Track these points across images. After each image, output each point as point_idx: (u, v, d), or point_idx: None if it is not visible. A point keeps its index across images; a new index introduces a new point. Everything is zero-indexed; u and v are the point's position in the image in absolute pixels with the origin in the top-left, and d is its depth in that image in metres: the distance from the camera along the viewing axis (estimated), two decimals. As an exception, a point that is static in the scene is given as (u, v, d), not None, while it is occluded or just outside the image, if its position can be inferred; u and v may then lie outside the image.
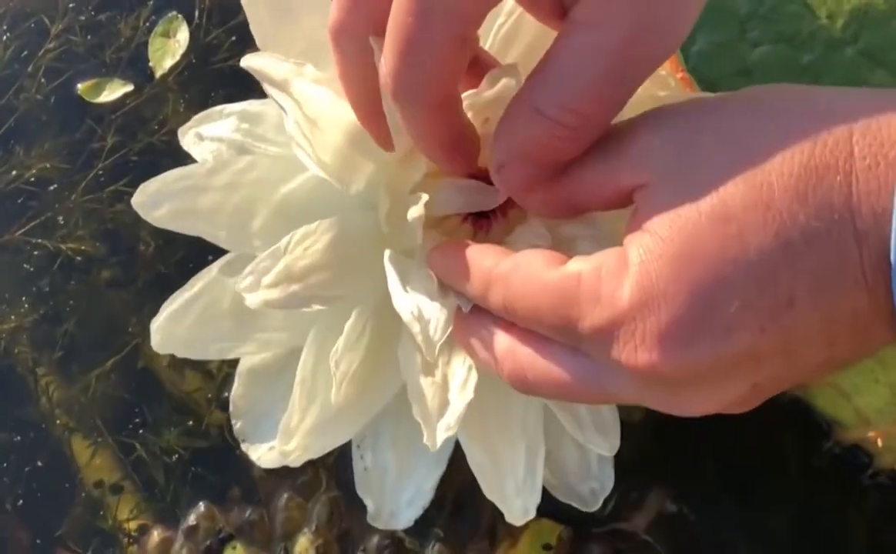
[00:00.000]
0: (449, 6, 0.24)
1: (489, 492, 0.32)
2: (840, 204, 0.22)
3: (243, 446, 0.36)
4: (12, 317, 0.42)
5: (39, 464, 0.39)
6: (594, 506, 0.35)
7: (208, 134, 0.34)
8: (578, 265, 0.25)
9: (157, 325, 0.34)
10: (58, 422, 0.40)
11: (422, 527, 0.36)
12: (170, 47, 0.45)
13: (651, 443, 0.38)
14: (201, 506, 0.38)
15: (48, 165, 0.43)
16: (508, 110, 0.26)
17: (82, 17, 0.45)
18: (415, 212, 0.29)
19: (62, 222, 0.43)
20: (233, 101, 0.35)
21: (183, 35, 0.45)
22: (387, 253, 0.30)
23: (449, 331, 0.28)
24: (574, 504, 0.35)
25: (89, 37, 0.45)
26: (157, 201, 0.32)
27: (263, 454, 0.35)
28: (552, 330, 0.26)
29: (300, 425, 0.32)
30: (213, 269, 0.34)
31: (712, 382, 0.24)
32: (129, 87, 0.44)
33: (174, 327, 0.34)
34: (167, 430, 0.39)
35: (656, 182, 0.24)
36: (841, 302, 0.22)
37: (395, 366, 0.31)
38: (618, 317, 0.24)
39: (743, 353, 0.23)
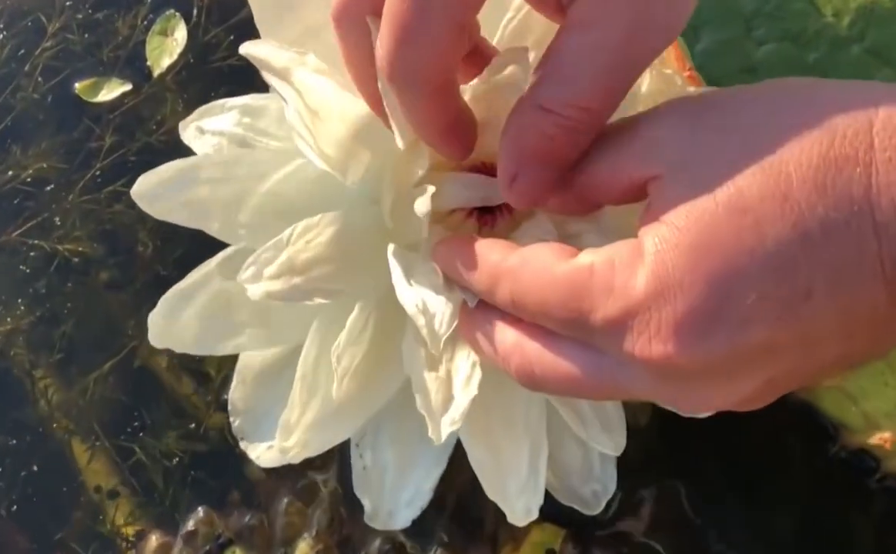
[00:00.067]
0: None
1: (491, 491, 0.32)
2: (859, 196, 0.22)
3: (242, 445, 0.36)
4: (8, 319, 0.41)
5: (36, 468, 0.39)
6: (596, 508, 0.35)
7: (209, 128, 0.34)
8: (590, 257, 0.24)
9: (154, 318, 0.34)
10: (55, 425, 0.40)
11: (423, 531, 0.36)
12: (168, 46, 0.45)
13: (655, 446, 0.37)
14: (200, 511, 0.38)
15: (45, 165, 0.43)
16: (514, 114, 0.26)
17: (79, 16, 0.45)
18: (422, 205, 0.28)
19: (59, 223, 0.42)
20: (232, 100, 0.34)
21: (181, 33, 0.45)
22: (391, 247, 0.29)
23: (454, 325, 0.28)
24: (576, 507, 0.35)
25: (86, 35, 0.45)
26: (157, 193, 0.32)
27: (262, 453, 0.35)
28: (562, 324, 0.25)
29: (300, 420, 0.32)
30: (213, 264, 0.34)
31: (727, 376, 0.24)
32: (127, 87, 0.44)
33: (172, 321, 0.34)
34: (166, 433, 0.39)
35: (670, 173, 0.24)
36: (859, 294, 0.22)
37: (397, 362, 0.31)
38: (632, 307, 0.23)
39: (759, 345, 0.23)
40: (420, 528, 0.36)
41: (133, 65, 0.44)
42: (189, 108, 0.41)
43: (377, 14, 0.26)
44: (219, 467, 0.38)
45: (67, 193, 0.43)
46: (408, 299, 0.28)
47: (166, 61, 0.44)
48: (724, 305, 0.22)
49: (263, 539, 0.38)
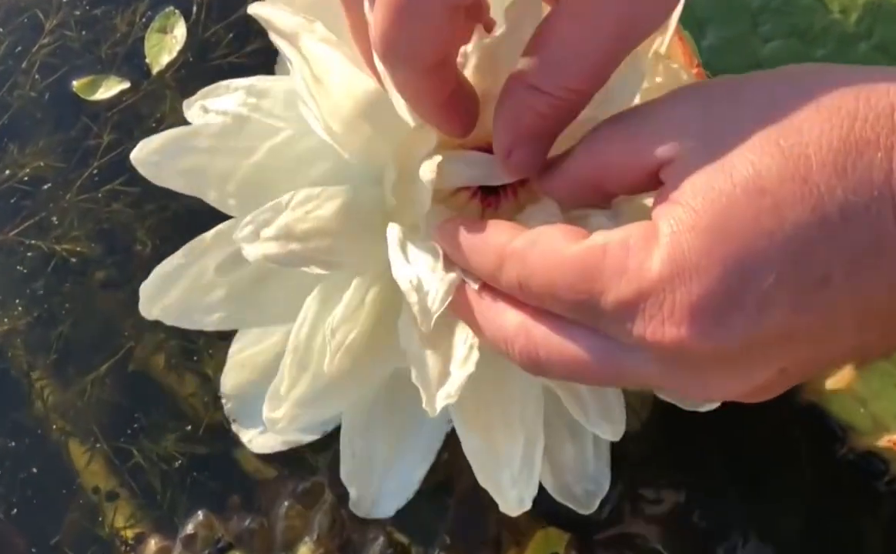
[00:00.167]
0: None
1: (484, 480, 0.32)
2: (880, 180, 0.21)
3: (234, 427, 0.36)
4: (5, 320, 0.41)
5: (34, 470, 0.39)
6: (590, 508, 0.35)
7: (214, 107, 0.34)
8: (603, 237, 0.24)
9: (146, 288, 0.33)
10: (53, 427, 0.39)
11: (426, 535, 0.36)
12: (167, 43, 0.44)
13: (657, 444, 0.37)
14: (200, 514, 0.38)
15: (42, 164, 0.43)
16: (507, 93, 0.26)
17: (77, 12, 0.45)
18: (427, 171, 0.28)
19: (57, 222, 0.42)
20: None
21: (180, 31, 0.44)
22: (391, 224, 0.29)
23: (448, 302, 0.27)
24: (570, 505, 0.34)
25: (84, 32, 0.45)
26: (155, 160, 0.32)
27: (254, 437, 0.36)
28: (571, 307, 0.25)
29: (289, 394, 0.32)
30: (208, 237, 0.34)
31: (740, 364, 0.23)
32: (126, 85, 0.44)
33: (164, 292, 0.34)
34: (164, 435, 0.39)
35: (685, 155, 0.24)
36: (875, 282, 0.22)
37: (392, 345, 0.30)
38: (645, 289, 0.23)
39: (774, 332, 0.22)
40: (422, 531, 0.36)
41: (131, 62, 0.44)
42: (188, 106, 0.41)
43: None
44: (218, 470, 0.38)
45: (65, 192, 0.42)
46: (402, 275, 0.28)
47: (165, 59, 0.44)
48: (740, 289, 0.22)
49: (264, 543, 0.37)
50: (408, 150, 0.30)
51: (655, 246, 0.23)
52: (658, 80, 0.31)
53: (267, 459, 0.38)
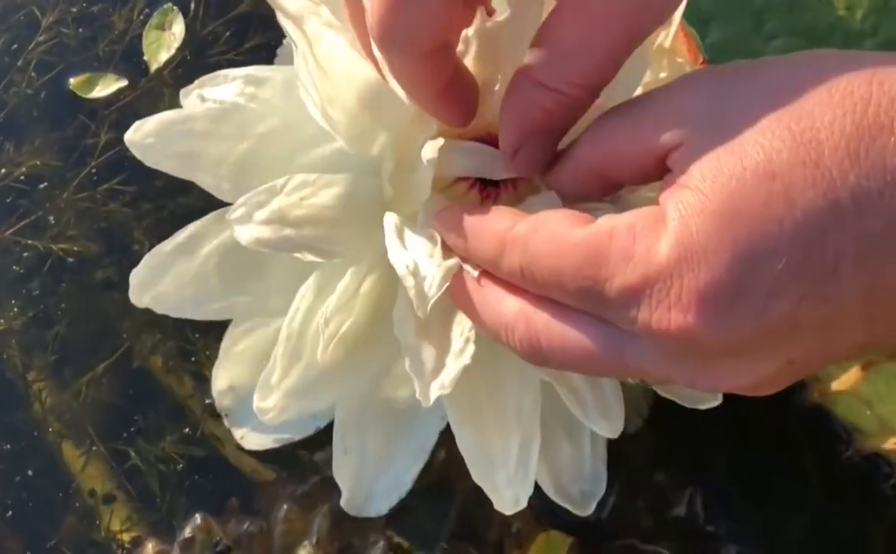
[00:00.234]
0: None
1: (478, 478, 0.31)
2: (893, 166, 0.21)
3: (226, 422, 0.35)
4: (1, 320, 0.41)
5: (30, 473, 0.38)
6: (586, 509, 0.34)
7: (211, 96, 0.33)
8: (609, 222, 0.24)
9: (137, 275, 0.33)
10: (50, 428, 0.39)
11: (426, 538, 0.36)
12: (165, 40, 0.44)
13: (660, 450, 0.37)
14: (198, 517, 0.37)
15: (39, 162, 0.42)
16: (513, 90, 0.26)
17: (74, 9, 0.45)
18: (429, 151, 0.27)
19: (53, 221, 0.42)
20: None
21: (178, 27, 0.44)
22: (388, 212, 0.29)
23: (445, 287, 0.27)
24: (566, 506, 0.34)
25: (81, 29, 0.44)
26: (150, 142, 0.32)
27: (247, 434, 0.35)
28: (574, 294, 0.24)
29: (281, 383, 0.32)
30: (204, 222, 0.33)
31: (747, 354, 0.23)
32: (123, 83, 0.43)
33: (155, 280, 0.33)
34: (162, 437, 0.38)
35: (693, 140, 0.23)
36: (885, 270, 0.22)
37: (386, 338, 0.30)
38: (652, 275, 0.22)
39: (783, 322, 0.22)
40: (423, 534, 0.35)
41: (129, 60, 0.44)
42: (186, 104, 0.41)
43: None
44: (216, 472, 0.38)
45: (62, 191, 0.42)
46: (399, 260, 0.27)
47: (163, 56, 0.44)
48: (749, 276, 0.22)
49: (262, 546, 0.37)
50: (406, 139, 0.29)
51: (663, 230, 0.23)
52: (663, 74, 0.31)
53: (266, 461, 0.37)
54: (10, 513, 0.38)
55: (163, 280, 0.33)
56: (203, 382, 0.38)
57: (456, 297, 0.28)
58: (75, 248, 0.41)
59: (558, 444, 0.34)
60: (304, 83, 0.30)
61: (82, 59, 0.44)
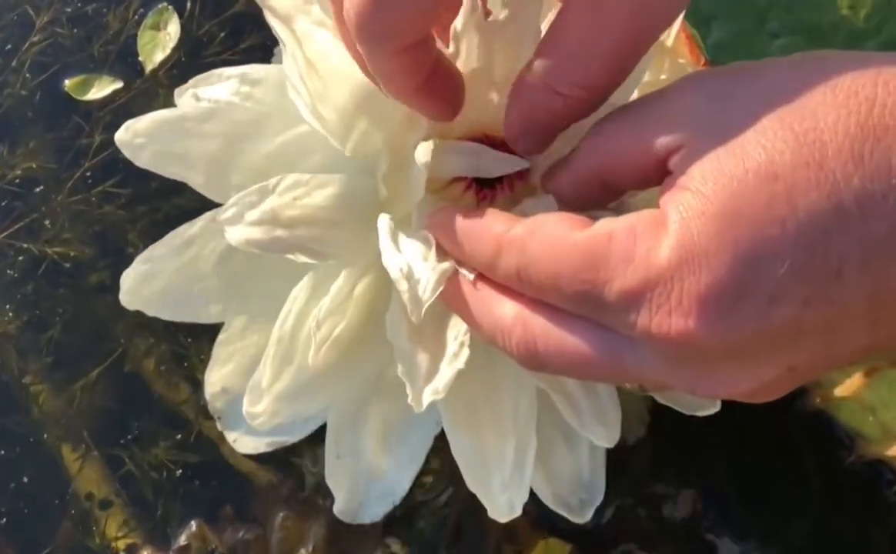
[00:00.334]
0: None
1: (473, 483, 0.31)
2: None
3: (218, 425, 0.35)
4: (-4, 325, 0.40)
5: (25, 479, 0.38)
6: (584, 517, 0.34)
7: (205, 95, 0.33)
8: (609, 224, 0.23)
9: (128, 277, 0.33)
10: (45, 434, 0.39)
11: (424, 546, 0.36)
12: (160, 40, 0.44)
13: (660, 457, 0.36)
14: (193, 525, 0.37)
15: (33, 165, 0.42)
16: (519, 92, 0.26)
17: (69, 9, 0.44)
18: (422, 154, 0.27)
19: (48, 225, 0.41)
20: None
21: (174, 28, 0.44)
22: (382, 214, 0.29)
23: (439, 291, 0.27)
24: (563, 513, 0.34)
25: (76, 30, 0.44)
26: (141, 143, 0.32)
27: (240, 438, 0.35)
28: (572, 298, 0.24)
29: (271, 387, 0.31)
30: (197, 224, 0.33)
31: (749, 359, 0.23)
32: (118, 84, 0.43)
33: (147, 282, 0.33)
34: (157, 443, 0.38)
35: (694, 142, 0.23)
36: (890, 273, 0.21)
37: (379, 339, 0.30)
38: (652, 278, 0.22)
39: (785, 326, 0.22)
40: (421, 542, 0.35)
41: (124, 60, 0.43)
42: (181, 105, 0.40)
43: None
44: (211, 479, 0.37)
45: (56, 194, 0.42)
46: (393, 263, 0.27)
47: (159, 56, 0.43)
48: (751, 279, 0.21)
49: (258, 554, 0.37)
50: (399, 139, 0.29)
51: (664, 233, 0.22)
52: (663, 76, 0.31)
53: (261, 467, 0.37)
54: (4, 520, 0.38)
55: (153, 283, 0.33)
56: (196, 386, 0.38)
57: (451, 300, 0.27)
58: (70, 252, 0.41)
59: (556, 450, 0.34)
60: (292, 82, 0.29)
61: (77, 60, 0.43)
